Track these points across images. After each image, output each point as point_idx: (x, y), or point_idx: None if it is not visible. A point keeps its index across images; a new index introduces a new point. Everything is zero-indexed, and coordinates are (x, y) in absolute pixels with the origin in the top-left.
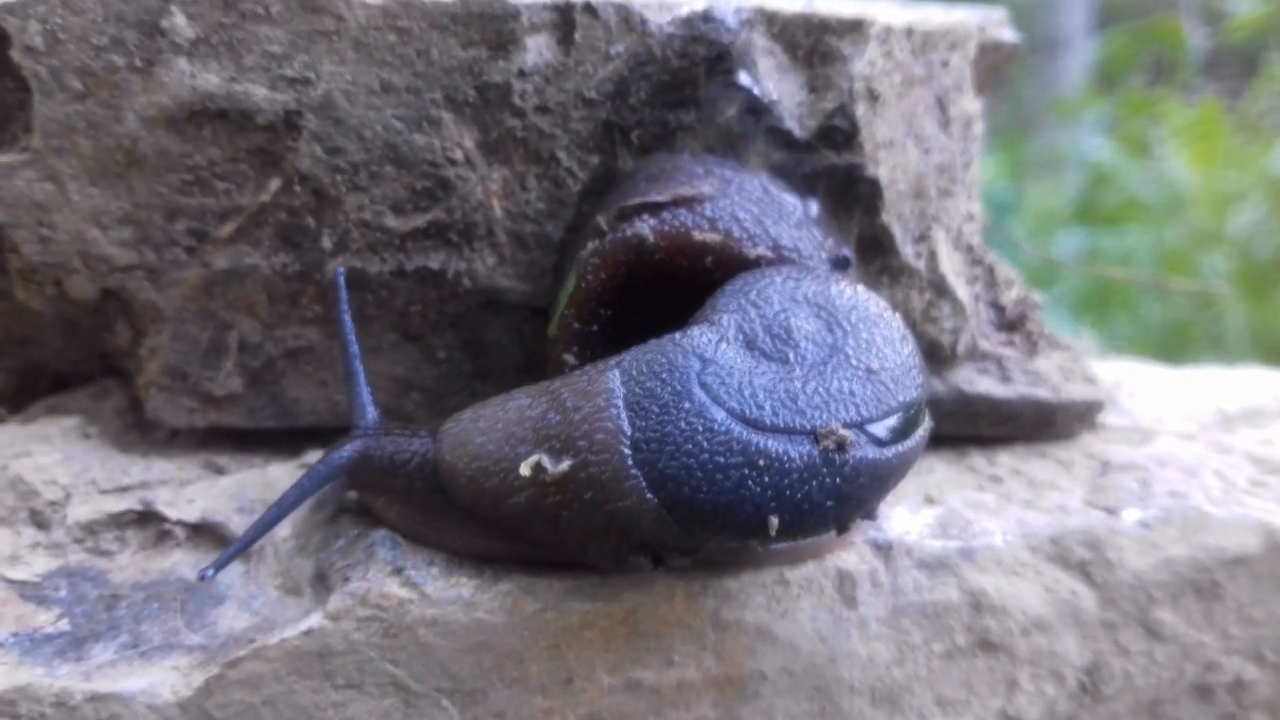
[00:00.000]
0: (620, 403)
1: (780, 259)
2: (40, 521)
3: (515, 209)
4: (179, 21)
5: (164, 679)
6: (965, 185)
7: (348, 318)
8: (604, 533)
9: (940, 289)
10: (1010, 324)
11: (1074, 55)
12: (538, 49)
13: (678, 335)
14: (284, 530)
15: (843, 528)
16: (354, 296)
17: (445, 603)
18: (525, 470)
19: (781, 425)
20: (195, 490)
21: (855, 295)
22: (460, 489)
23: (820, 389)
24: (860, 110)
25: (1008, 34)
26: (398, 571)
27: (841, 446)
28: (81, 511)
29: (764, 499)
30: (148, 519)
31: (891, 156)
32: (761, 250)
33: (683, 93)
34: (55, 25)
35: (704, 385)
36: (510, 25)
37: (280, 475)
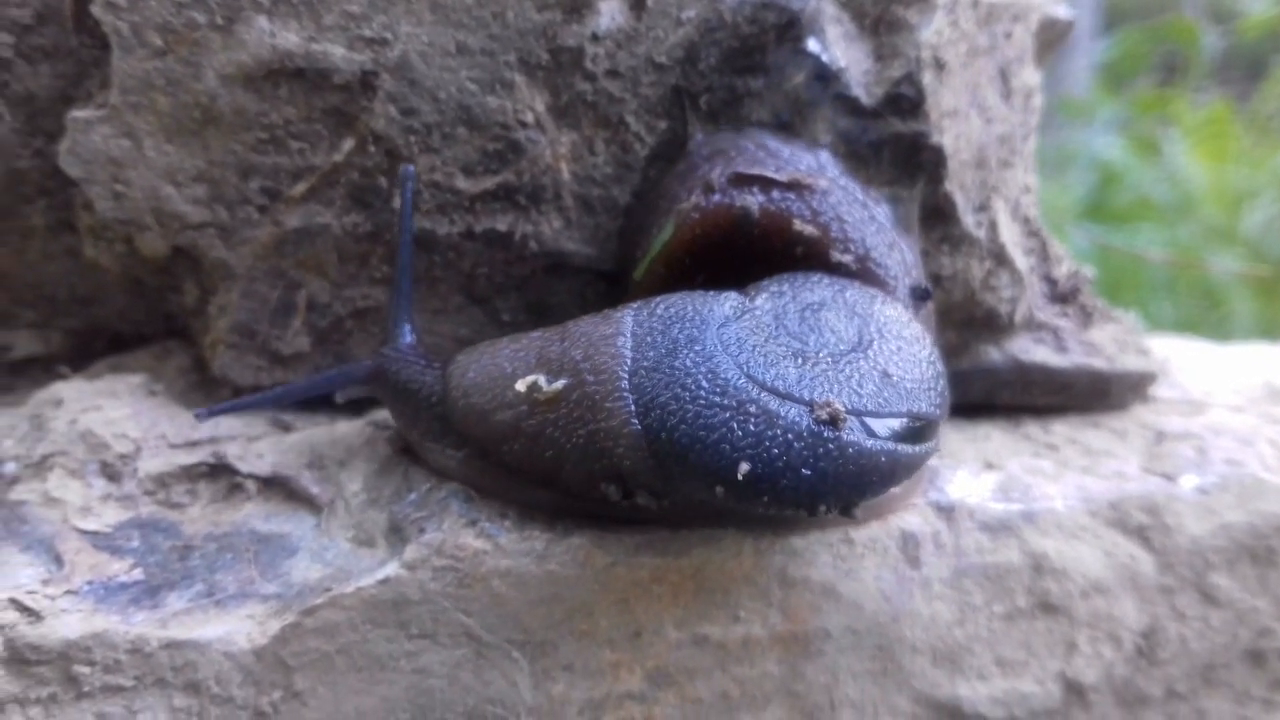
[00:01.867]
0: (629, 334)
1: (864, 271)
2: (111, 474)
3: (583, 173)
4: None
5: (239, 627)
6: (1024, 157)
7: (410, 224)
8: (581, 454)
9: (1000, 258)
10: (1063, 296)
11: (1081, 55)
12: (611, 13)
13: (709, 293)
14: (355, 485)
15: (812, 508)
16: (422, 258)
17: (518, 554)
18: (521, 386)
19: (782, 389)
20: (264, 446)
21: (897, 315)
22: (455, 405)
23: (831, 372)
24: (927, 78)
25: (1062, 11)
26: (472, 523)
27: (834, 421)
28: (152, 465)
29: (741, 445)
30: (219, 472)
31: (955, 125)
32: (848, 259)
33: (752, 59)
34: None
35: (719, 337)
36: None
37: (348, 432)
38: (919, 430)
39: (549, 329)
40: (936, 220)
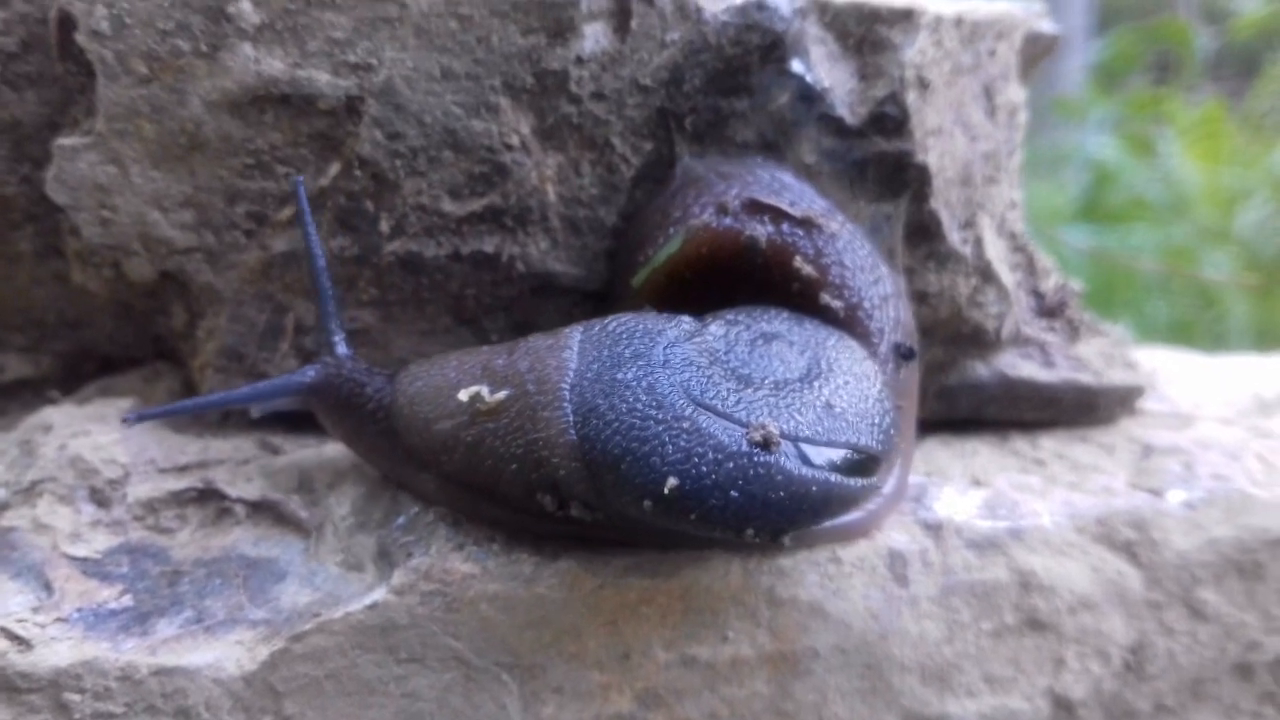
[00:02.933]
0: (575, 348)
1: (850, 320)
2: (100, 499)
3: (569, 194)
4: (245, 7)
5: (229, 653)
6: (1009, 173)
7: (313, 230)
8: (520, 463)
9: (986, 274)
10: (1050, 310)
11: (1074, 56)
12: (595, 36)
13: (663, 315)
14: (343, 509)
15: (739, 530)
16: (410, 280)
17: (506, 578)
18: (464, 396)
19: (719, 409)
20: (253, 469)
21: (851, 354)
22: (400, 414)
23: (771, 398)
24: (911, 98)
25: (1047, 26)
26: (459, 547)
27: (766, 444)
28: (141, 490)
29: (671, 460)
30: (208, 496)
31: (940, 144)
32: (838, 304)
33: (736, 80)
34: (122, 10)
35: (664, 355)
36: (569, 13)
37: (336, 455)
38: (859, 464)
39: (501, 344)
40: (922, 238)
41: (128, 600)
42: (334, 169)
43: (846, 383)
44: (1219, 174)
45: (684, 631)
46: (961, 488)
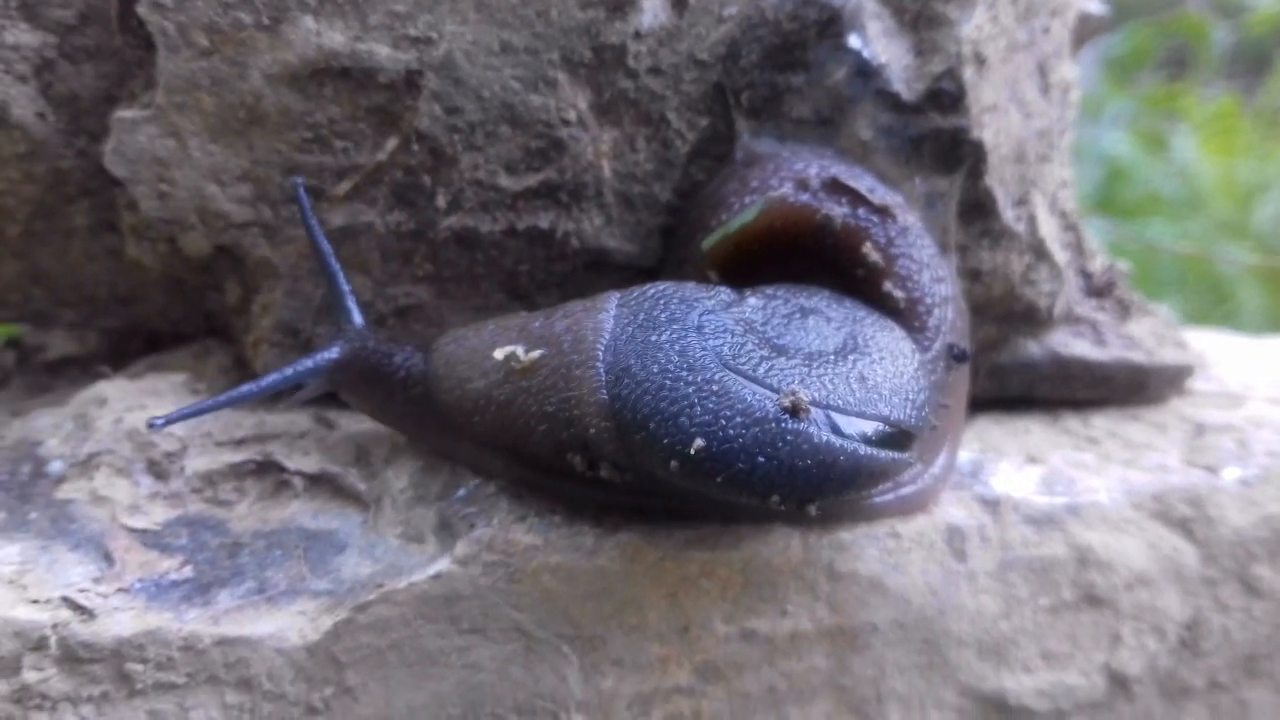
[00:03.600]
0: (612, 311)
1: (908, 312)
2: (158, 472)
3: (624, 170)
4: None
5: (291, 623)
6: (1060, 151)
7: (314, 221)
8: (551, 422)
9: (1039, 252)
10: (1098, 290)
11: (1088, 50)
12: (653, 11)
13: (703, 285)
14: (401, 482)
15: (764, 496)
16: (465, 255)
17: (568, 550)
18: (499, 355)
19: (750, 373)
20: (309, 443)
21: (890, 335)
22: (436, 374)
23: (803, 367)
24: (967, 74)
25: (1095, 6)
26: (521, 519)
27: (796, 410)
28: (199, 463)
29: (699, 421)
30: (266, 469)
31: (995, 120)
32: (899, 294)
33: (793, 55)
34: None
35: (699, 321)
36: None
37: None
38: (891, 438)
39: (540, 310)
40: (976, 215)
41: (188, 571)
42: (391, 143)
43: (882, 358)
44: (1234, 169)
45: (743, 605)
46: (1017, 464)
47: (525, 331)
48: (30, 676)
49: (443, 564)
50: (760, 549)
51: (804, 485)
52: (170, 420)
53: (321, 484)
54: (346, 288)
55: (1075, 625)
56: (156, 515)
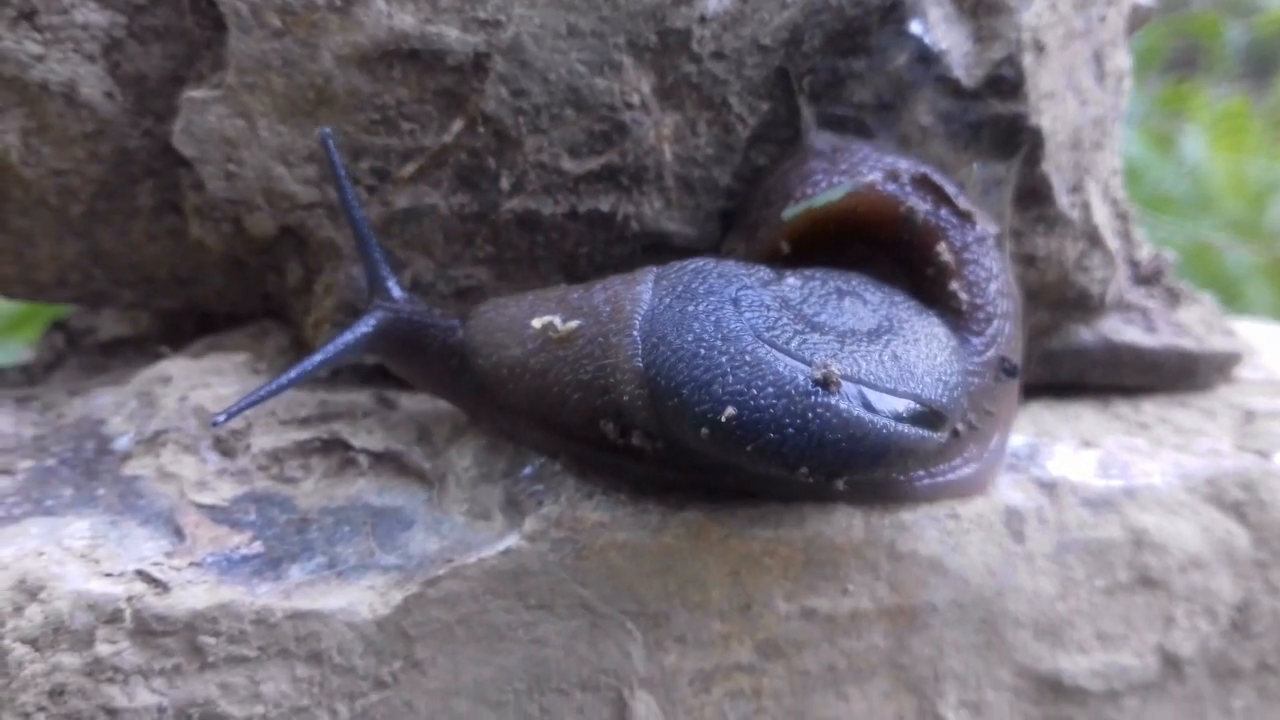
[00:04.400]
0: (650, 284)
1: (966, 315)
2: (225, 449)
3: (685, 154)
4: None
5: (361, 597)
6: (1113, 139)
7: (348, 184)
8: (585, 390)
9: (1093, 239)
10: (1145, 278)
11: None
12: None
13: (740, 263)
14: (465, 460)
15: (793, 468)
16: (525, 238)
17: (635, 527)
18: (537, 324)
19: (783, 346)
20: (372, 422)
21: (926, 321)
22: (473, 341)
23: (836, 343)
24: (1027, 60)
25: None
26: (589, 496)
27: (827, 383)
28: (265, 440)
29: (732, 390)
30: (332, 447)
31: (1053, 107)
32: (962, 296)
33: (855, 41)
34: None
35: (736, 295)
36: None
37: (453, 409)
38: (923, 417)
39: (580, 284)
40: (1032, 201)
41: (258, 546)
42: (457, 126)
43: (916, 340)
44: (1245, 168)
45: (805, 583)
46: (1072, 448)
47: (564, 302)
48: (103, 649)
49: (511, 540)
50: (823, 528)
51: (833, 459)
52: (231, 415)
53: (386, 462)
54: (379, 255)
55: (1130, 607)
56: (224, 492)
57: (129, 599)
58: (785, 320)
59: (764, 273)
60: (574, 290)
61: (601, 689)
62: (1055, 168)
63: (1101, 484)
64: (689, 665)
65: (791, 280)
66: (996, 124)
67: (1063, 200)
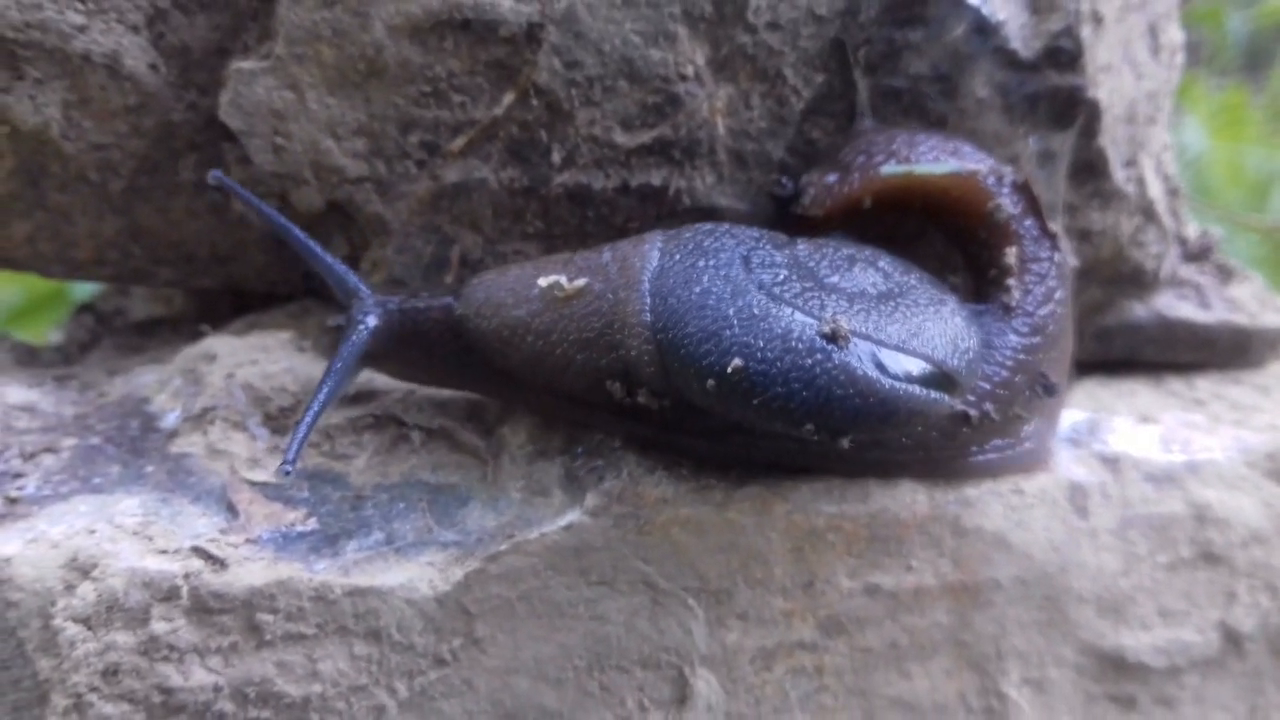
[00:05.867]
0: (659, 243)
1: (1014, 313)
2: (275, 426)
3: (737, 127)
4: None
5: (421, 574)
6: (1165, 114)
7: (270, 210)
8: (591, 349)
9: (1148, 214)
10: (1194, 255)
11: None
12: None
13: (751, 227)
14: (519, 438)
15: (797, 424)
16: (576, 212)
17: (698, 503)
18: (543, 282)
19: (791, 300)
20: (421, 399)
21: (940, 291)
22: (473, 303)
23: (845, 301)
24: (1085, 32)
25: None
26: (650, 472)
27: (835, 337)
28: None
29: (739, 343)
30: (384, 423)
31: (1109, 80)
32: (1017, 295)
33: (912, 11)
34: None
35: (745, 254)
36: None
37: None
38: (933, 378)
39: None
40: (1088, 175)
41: (313, 523)
42: (508, 98)
43: (929, 305)
44: (1244, 159)
45: (868, 560)
46: (1132, 423)
47: (570, 264)
48: (159, 627)
49: (573, 515)
50: (887, 503)
51: (839, 416)
52: (293, 459)
53: (439, 438)
54: (339, 264)
55: (1192, 583)
56: (276, 468)
57: (186, 576)
58: (794, 278)
59: (776, 237)
60: (579, 254)
61: (662, 667)
62: (1111, 141)
63: (1164, 459)
64: (751, 643)
65: (803, 245)
66: (1054, 96)
67: (1118, 174)
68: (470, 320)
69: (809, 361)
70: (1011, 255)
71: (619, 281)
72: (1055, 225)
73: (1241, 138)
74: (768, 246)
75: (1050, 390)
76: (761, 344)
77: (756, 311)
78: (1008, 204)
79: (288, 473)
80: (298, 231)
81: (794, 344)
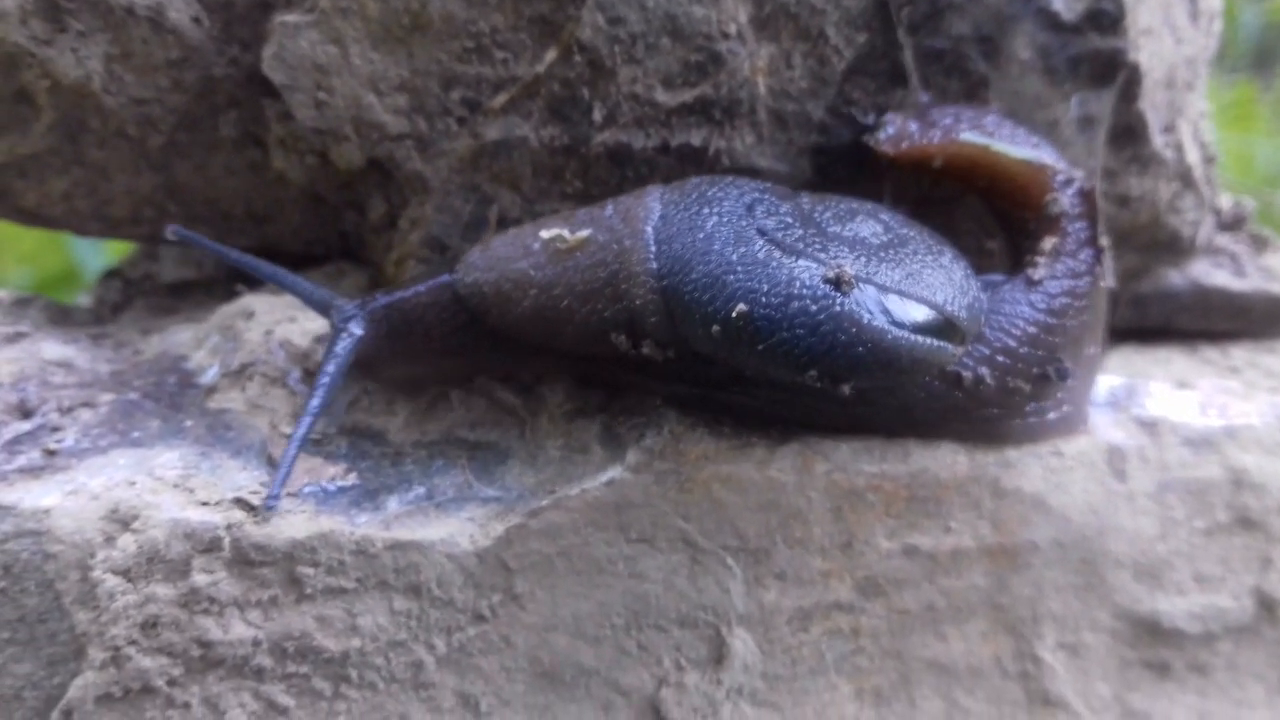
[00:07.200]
0: (660, 195)
1: (1034, 288)
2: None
3: (778, 87)
4: None
5: (462, 529)
6: (1202, 80)
7: (225, 248)
8: (595, 299)
9: (1186, 180)
10: (1228, 224)
11: None
12: None
13: (753, 180)
14: (556, 396)
15: (800, 370)
16: (615, 172)
17: (739, 460)
18: (546, 234)
19: (794, 246)
20: None
21: (941, 243)
22: (475, 266)
23: (846, 248)
24: None
25: None
26: (691, 429)
27: (840, 283)
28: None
29: (744, 288)
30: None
31: (1150, 44)
32: (1040, 272)
33: None
34: None
35: (749, 202)
36: None
37: None
38: (937, 326)
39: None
40: (1127, 139)
41: (353, 478)
42: (550, 55)
43: (930, 254)
44: (1254, 153)
45: (907, 520)
46: (1169, 389)
47: (571, 219)
48: (200, 579)
49: (615, 471)
50: (928, 463)
51: (842, 362)
52: (278, 493)
53: (476, 396)
54: (305, 283)
55: (1228, 548)
56: (316, 424)
57: (228, 527)
58: (798, 225)
59: (779, 189)
60: (580, 210)
61: (700, 626)
62: (1151, 105)
63: (1201, 423)
64: (788, 603)
65: (806, 196)
66: (1095, 59)
67: (1157, 140)
68: (469, 283)
69: (814, 307)
70: (1049, 244)
71: (623, 231)
72: (1105, 241)
73: (1251, 132)
74: (771, 196)
75: (1062, 375)
76: (766, 289)
77: (761, 257)
78: (1066, 203)
79: (270, 507)
80: (264, 264)
81: (798, 289)
